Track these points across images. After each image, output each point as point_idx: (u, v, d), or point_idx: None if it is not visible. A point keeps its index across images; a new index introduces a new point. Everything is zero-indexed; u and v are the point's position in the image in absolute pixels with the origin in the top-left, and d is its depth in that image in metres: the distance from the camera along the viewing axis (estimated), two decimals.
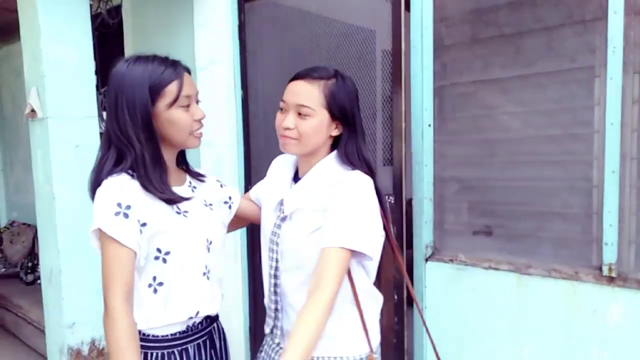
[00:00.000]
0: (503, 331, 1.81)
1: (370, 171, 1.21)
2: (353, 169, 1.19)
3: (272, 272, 1.23)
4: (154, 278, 1.13)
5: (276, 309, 1.24)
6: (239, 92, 2.61)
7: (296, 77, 1.20)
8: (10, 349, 3.58)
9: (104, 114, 1.18)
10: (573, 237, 1.71)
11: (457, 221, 1.97)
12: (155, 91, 1.12)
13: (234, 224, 1.42)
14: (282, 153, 1.30)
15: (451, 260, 1.93)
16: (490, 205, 1.88)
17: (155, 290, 1.13)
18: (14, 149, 4.99)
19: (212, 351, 1.25)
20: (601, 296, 1.60)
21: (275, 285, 1.23)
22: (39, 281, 4.08)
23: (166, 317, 1.16)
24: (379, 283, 2.04)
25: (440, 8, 1.92)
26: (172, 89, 1.14)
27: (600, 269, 1.61)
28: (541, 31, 1.72)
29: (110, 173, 1.11)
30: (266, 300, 1.28)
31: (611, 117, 1.56)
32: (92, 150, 1.25)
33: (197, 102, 1.24)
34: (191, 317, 1.18)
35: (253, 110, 2.63)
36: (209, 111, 2.70)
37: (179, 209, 1.17)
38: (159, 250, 1.13)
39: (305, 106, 1.15)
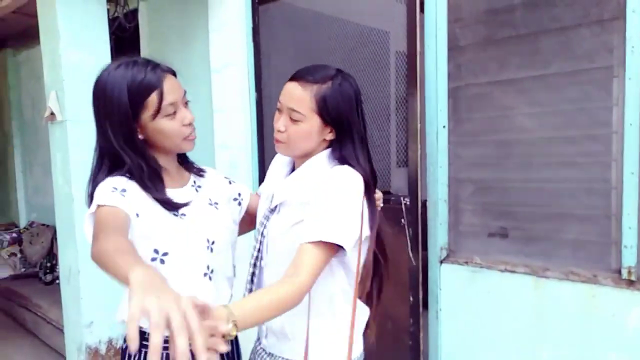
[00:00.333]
0: (519, 335, 1.79)
1: (369, 175, 1.15)
2: (342, 165, 1.14)
3: (252, 261, 1.20)
4: None
5: None
6: (253, 94, 2.63)
7: (293, 78, 1.15)
8: (31, 348, 3.65)
9: None
10: (591, 240, 1.69)
11: (472, 223, 1.96)
12: (137, 104, 1.09)
13: (247, 224, 1.42)
14: None
15: (466, 263, 1.92)
16: (506, 207, 1.86)
17: None
18: (33, 151, 5.09)
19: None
20: (620, 300, 1.57)
21: (253, 274, 1.20)
22: (57, 281, 4.15)
23: None
24: (392, 285, 2.02)
25: (455, 9, 1.91)
26: (153, 99, 1.09)
27: (620, 272, 1.59)
28: (557, 31, 1.71)
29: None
30: (244, 293, 1.23)
31: (630, 117, 1.53)
32: None
33: (186, 103, 1.18)
34: None
35: (267, 112, 2.65)
36: (223, 113, 2.75)
37: (176, 211, 1.16)
38: (156, 251, 1.12)
39: (296, 111, 1.11)
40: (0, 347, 3.67)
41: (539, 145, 1.78)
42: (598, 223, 1.67)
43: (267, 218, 1.20)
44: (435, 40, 1.93)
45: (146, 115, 1.10)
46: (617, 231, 1.61)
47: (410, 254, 2.02)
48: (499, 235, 1.88)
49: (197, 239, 1.18)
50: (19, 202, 5.31)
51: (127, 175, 1.12)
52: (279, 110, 1.17)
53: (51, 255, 4.54)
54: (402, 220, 2.04)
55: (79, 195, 2.47)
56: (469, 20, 1.90)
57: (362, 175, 1.12)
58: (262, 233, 1.20)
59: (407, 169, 2.04)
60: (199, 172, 1.31)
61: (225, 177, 1.38)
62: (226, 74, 2.69)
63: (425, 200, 2.03)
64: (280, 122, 1.15)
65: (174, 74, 1.16)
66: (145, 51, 3.24)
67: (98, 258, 0.96)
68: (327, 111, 1.11)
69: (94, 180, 1.13)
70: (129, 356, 1.18)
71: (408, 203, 2.02)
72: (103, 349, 2.63)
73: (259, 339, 1.26)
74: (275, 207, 1.19)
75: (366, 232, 1.13)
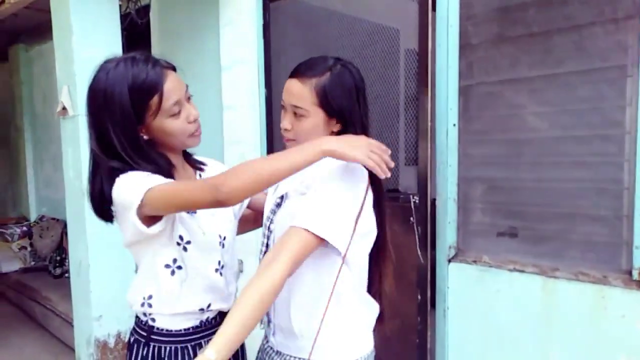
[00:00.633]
0: (528, 335, 1.78)
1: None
2: None
3: (261, 256, 1.19)
4: (174, 260, 1.14)
5: None
6: (263, 91, 2.64)
7: (291, 74, 1.14)
8: (40, 340, 3.69)
9: None
10: (602, 240, 1.67)
11: (481, 222, 1.95)
12: (140, 106, 1.05)
13: (252, 222, 1.40)
14: None
15: (475, 262, 1.91)
16: (516, 206, 1.85)
17: (172, 272, 1.14)
18: (44, 146, 5.14)
19: None
20: (631, 301, 1.56)
21: None
22: (67, 275, 4.21)
23: (178, 305, 1.16)
24: (400, 283, 2.02)
25: (467, 6, 1.90)
26: (156, 100, 1.06)
27: (630, 273, 1.58)
28: (571, 29, 1.69)
29: (116, 174, 1.08)
30: None
31: None
32: None
33: (189, 97, 1.15)
34: (202, 310, 1.19)
35: (277, 109, 2.65)
36: (233, 110, 2.76)
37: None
38: (181, 237, 1.14)
39: (299, 107, 1.10)
40: (11, 338, 3.72)
41: (550, 145, 1.76)
42: (609, 224, 1.65)
43: (273, 212, 1.20)
44: (447, 38, 1.93)
45: (150, 115, 1.07)
46: (628, 232, 1.60)
47: (419, 253, 2.02)
48: (508, 235, 1.88)
49: (210, 234, 1.19)
50: (29, 196, 5.37)
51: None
52: (284, 108, 1.16)
53: (61, 249, 4.59)
54: (411, 218, 2.04)
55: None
56: (481, 18, 1.89)
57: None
58: (268, 228, 1.20)
59: (416, 168, 2.04)
60: (200, 167, 1.29)
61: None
62: (236, 71, 2.70)
63: (435, 199, 2.02)
64: (285, 121, 1.14)
65: (174, 69, 1.14)
66: (156, 47, 3.26)
67: (244, 185, 0.97)
68: (329, 103, 1.10)
69: (100, 184, 1.10)
70: (137, 349, 1.19)
71: (417, 201, 2.02)
72: (112, 342, 2.66)
73: (266, 337, 1.26)
74: (281, 200, 1.18)
75: (370, 225, 1.12)
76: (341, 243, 1.04)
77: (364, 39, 2.26)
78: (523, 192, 1.83)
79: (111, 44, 2.55)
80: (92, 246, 2.52)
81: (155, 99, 1.06)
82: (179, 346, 1.17)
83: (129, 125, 1.06)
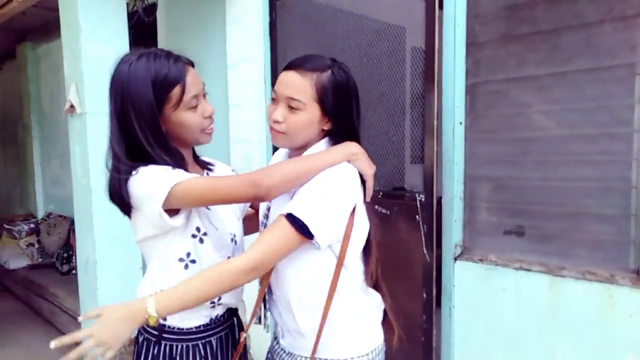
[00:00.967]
0: (534, 333, 1.78)
1: None
2: None
3: None
4: (188, 254, 1.14)
5: (264, 299, 1.21)
6: (269, 89, 2.64)
7: (288, 67, 1.12)
8: (47, 336, 3.72)
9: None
10: (609, 239, 1.67)
11: (487, 220, 1.95)
12: (161, 97, 1.08)
13: (254, 223, 1.41)
14: None
15: (481, 260, 1.91)
16: (523, 205, 1.85)
17: (186, 266, 1.15)
18: (51, 144, 5.18)
19: (232, 344, 1.27)
20: (638, 300, 1.55)
21: None
22: (74, 271, 4.23)
23: None
24: (406, 282, 2.03)
25: (474, 4, 1.90)
26: (177, 92, 1.09)
27: (638, 272, 1.57)
28: (579, 27, 1.68)
29: (135, 167, 1.10)
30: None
31: None
32: None
33: (205, 95, 1.18)
34: (213, 304, 1.19)
35: None
36: (239, 108, 2.76)
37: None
38: (198, 229, 1.14)
39: (296, 99, 1.08)
40: (18, 334, 3.75)
41: (557, 143, 1.76)
42: (617, 222, 1.65)
43: (266, 217, 1.20)
44: (454, 37, 1.92)
45: (169, 107, 1.10)
46: (636, 231, 1.59)
47: (424, 251, 2.02)
48: (514, 233, 1.87)
49: (223, 230, 1.20)
50: (37, 193, 5.41)
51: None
52: (274, 100, 1.14)
53: (68, 245, 4.62)
54: (417, 216, 2.04)
55: (97, 187, 2.51)
56: (488, 16, 1.89)
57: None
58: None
59: (422, 166, 2.04)
60: (208, 167, 1.31)
61: (233, 170, 1.37)
62: (242, 69, 2.70)
63: (441, 197, 2.02)
64: (277, 113, 1.11)
65: (193, 65, 1.16)
66: (162, 45, 3.27)
67: (282, 181, 1.04)
68: (328, 100, 1.09)
69: (117, 173, 1.10)
70: (147, 349, 1.19)
71: (423, 200, 2.02)
72: None
73: (276, 338, 1.26)
74: (268, 211, 1.18)
75: (362, 222, 1.12)
76: (321, 233, 1.03)
77: (370, 37, 2.26)
78: (530, 190, 1.83)
79: (118, 42, 2.56)
80: (99, 243, 2.54)
81: (177, 90, 1.08)
82: (190, 344, 1.18)
83: (152, 115, 1.08)
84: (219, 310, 1.23)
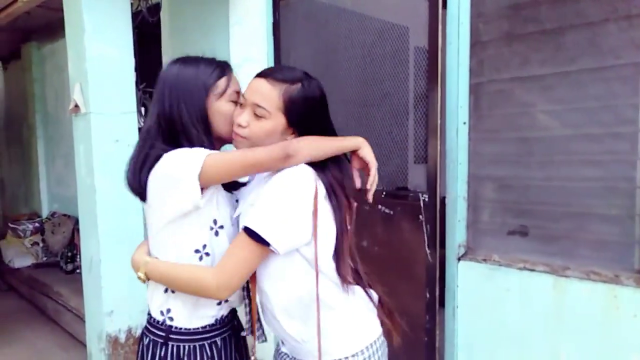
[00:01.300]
0: (538, 333, 1.77)
1: (334, 178, 1.13)
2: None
3: None
4: (204, 246, 1.16)
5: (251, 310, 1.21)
6: None
7: (260, 74, 1.14)
8: (52, 335, 3.74)
9: (142, 110, 1.21)
10: (614, 240, 1.66)
11: (491, 220, 1.94)
12: (208, 86, 1.18)
13: None
14: None
15: (485, 260, 1.91)
16: (527, 205, 1.84)
17: (201, 258, 1.16)
18: (56, 143, 5.20)
19: (234, 344, 1.29)
20: None
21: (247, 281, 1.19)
22: (78, 270, 4.25)
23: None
24: (409, 281, 2.02)
25: (477, 4, 1.89)
26: (221, 83, 1.19)
27: None
28: (583, 27, 1.68)
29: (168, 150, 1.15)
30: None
31: None
32: (131, 144, 1.28)
33: (241, 104, 1.24)
34: (219, 303, 1.21)
35: None
36: None
37: (234, 190, 1.24)
38: (215, 221, 1.17)
39: (261, 107, 1.10)
40: (23, 333, 3.77)
41: (561, 143, 1.75)
42: (621, 222, 1.64)
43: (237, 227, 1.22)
44: (458, 36, 1.92)
45: (214, 94, 1.18)
46: None
47: (428, 251, 2.02)
48: (518, 233, 1.87)
49: (235, 226, 1.22)
50: (41, 192, 5.43)
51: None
52: (242, 104, 1.16)
53: (72, 244, 4.65)
54: (420, 216, 2.04)
55: (101, 186, 2.52)
56: (492, 15, 1.88)
57: (325, 178, 1.11)
58: None
59: (425, 166, 2.04)
60: None
61: None
62: (246, 69, 2.70)
63: (444, 197, 2.02)
64: (242, 117, 1.13)
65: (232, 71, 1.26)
66: (166, 45, 3.28)
67: (309, 148, 1.10)
68: (294, 112, 1.11)
69: (144, 159, 1.15)
70: (153, 350, 1.20)
71: (426, 199, 2.02)
72: (123, 338, 2.69)
73: (279, 344, 1.28)
74: (236, 220, 1.20)
75: (328, 228, 1.11)
76: (277, 240, 1.05)
77: (374, 37, 2.26)
78: (534, 190, 1.82)
79: (123, 42, 2.57)
80: (104, 242, 2.54)
81: (223, 81, 1.20)
82: (197, 344, 1.19)
83: (200, 97, 1.17)
84: (224, 311, 1.24)
